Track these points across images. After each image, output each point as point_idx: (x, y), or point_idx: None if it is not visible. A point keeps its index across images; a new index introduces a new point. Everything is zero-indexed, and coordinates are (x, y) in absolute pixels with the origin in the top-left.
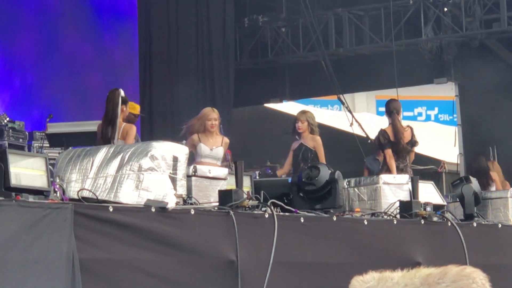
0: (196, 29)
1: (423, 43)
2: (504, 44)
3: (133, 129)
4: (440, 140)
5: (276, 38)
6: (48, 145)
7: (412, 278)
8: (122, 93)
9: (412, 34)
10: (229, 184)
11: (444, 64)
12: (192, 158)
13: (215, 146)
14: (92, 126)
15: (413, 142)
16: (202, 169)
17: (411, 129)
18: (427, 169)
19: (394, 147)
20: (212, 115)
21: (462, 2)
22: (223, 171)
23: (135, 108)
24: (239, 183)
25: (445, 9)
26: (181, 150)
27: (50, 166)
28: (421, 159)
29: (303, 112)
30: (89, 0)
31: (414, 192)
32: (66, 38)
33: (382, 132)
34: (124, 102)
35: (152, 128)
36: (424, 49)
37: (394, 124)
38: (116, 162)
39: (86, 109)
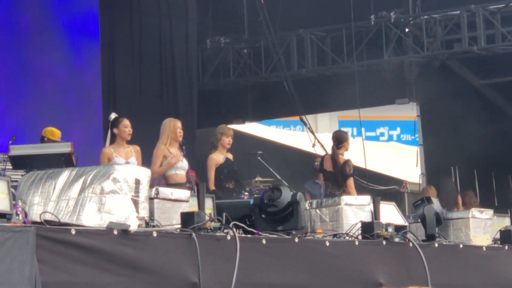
0: (159, 50)
1: (385, 63)
2: (465, 64)
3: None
4: (402, 160)
5: (238, 59)
6: (11, 167)
7: None
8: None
9: (373, 55)
10: (191, 206)
11: (405, 84)
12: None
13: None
14: (56, 148)
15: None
16: (164, 191)
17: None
18: (389, 189)
19: (333, 177)
20: (178, 124)
21: (423, 23)
22: (185, 193)
23: (53, 133)
24: (201, 205)
25: (406, 29)
26: (143, 173)
27: (12, 189)
28: (384, 179)
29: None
30: (58, 21)
31: (375, 213)
32: (36, 60)
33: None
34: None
35: None
36: (386, 70)
37: (332, 156)
38: (78, 185)
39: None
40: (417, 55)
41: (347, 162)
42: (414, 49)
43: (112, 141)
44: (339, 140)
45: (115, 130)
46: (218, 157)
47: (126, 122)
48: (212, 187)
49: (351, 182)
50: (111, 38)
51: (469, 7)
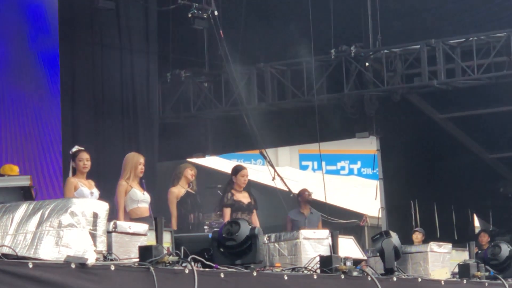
0: (120, 83)
1: (345, 97)
2: (425, 99)
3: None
4: (362, 194)
5: (198, 92)
6: None
7: None
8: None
9: (334, 89)
10: (150, 240)
11: (366, 118)
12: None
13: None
14: (14, 181)
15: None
16: (122, 225)
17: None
18: (349, 223)
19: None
20: (139, 159)
21: (383, 57)
22: (143, 227)
23: (12, 169)
24: (159, 238)
25: (367, 63)
26: (101, 207)
27: None
28: (344, 213)
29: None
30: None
31: (334, 247)
32: (10, 89)
33: None
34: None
35: None
36: (346, 104)
37: None
38: (36, 219)
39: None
40: (377, 89)
41: (223, 194)
42: (374, 83)
43: (74, 173)
44: (232, 171)
45: (72, 164)
46: (179, 190)
47: (82, 156)
48: (174, 223)
49: (225, 212)
50: (72, 70)
51: (429, 42)
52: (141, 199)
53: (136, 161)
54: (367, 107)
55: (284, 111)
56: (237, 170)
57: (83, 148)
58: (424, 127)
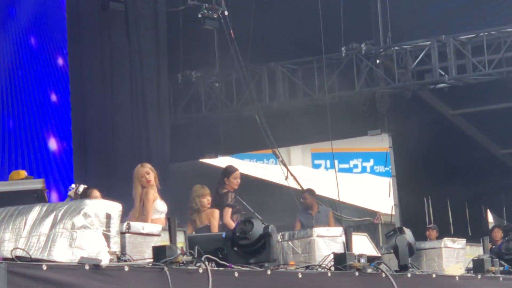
0: (130, 85)
1: (356, 95)
2: (436, 95)
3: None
4: (376, 192)
5: (210, 93)
6: None
7: None
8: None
9: (345, 87)
10: (163, 240)
11: (377, 115)
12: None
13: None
14: (27, 185)
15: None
16: (135, 225)
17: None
18: (363, 221)
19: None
20: (141, 170)
21: (394, 54)
22: (156, 227)
23: (19, 174)
24: (172, 239)
25: (377, 61)
26: (114, 207)
27: None
28: (358, 211)
29: None
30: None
31: (348, 244)
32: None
33: None
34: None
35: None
36: (358, 101)
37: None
38: (49, 221)
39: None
40: (389, 86)
41: (226, 193)
42: (385, 80)
43: None
44: (224, 173)
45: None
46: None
47: (95, 194)
48: None
49: (226, 211)
50: (81, 73)
51: (440, 38)
52: (163, 210)
53: (138, 173)
54: (378, 104)
55: (296, 110)
56: (229, 172)
57: (86, 186)
58: (436, 124)
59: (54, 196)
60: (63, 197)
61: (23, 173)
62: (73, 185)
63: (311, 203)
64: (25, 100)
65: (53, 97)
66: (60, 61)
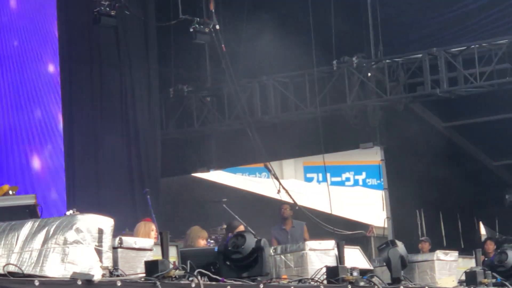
0: (120, 99)
1: (348, 108)
2: (428, 107)
3: None
4: (368, 205)
5: (201, 107)
6: None
7: None
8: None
9: (337, 100)
10: (156, 254)
11: (369, 128)
12: None
13: None
14: (20, 200)
15: None
16: (127, 240)
17: None
18: (355, 234)
19: None
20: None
21: (385, 67)
22: (149, 242)
23: (2, 189)
24: (165, 253)
25: (369, 74)
26: (106, 222)
27: None
28: (350, 224)
29: None
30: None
31: (340, 258)
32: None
33: None
34: None
35: (76, 198)
36: (349, 114)
37: None
38: (41, 236)
39: None
40: (380, 99)
41: None
42: (377, 93)
43: None
44: (228, 228)
45: None
46: None
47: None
48: None
49: None
50: (70, 83)
51: (431, 51)
52: None
53: (147, 231)
54: (370, 117)
55: (288, 124)
56: (233, 227)
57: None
58: (428, 136)
59: None
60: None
61: (5, 187)
62: (70, 211)
63: (288, 216)
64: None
65: (38, 113)
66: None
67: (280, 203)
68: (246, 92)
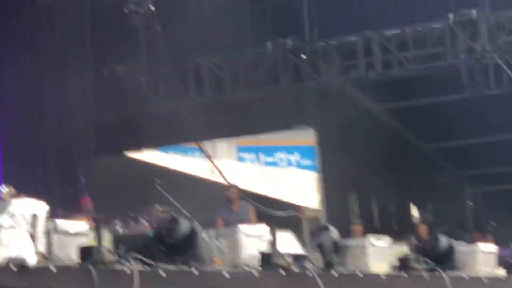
0: (55, 80)
1: (282, 90)
2: (362, 90)
3: None
4: (301, 186)
5: (136, 88)
6: None
7: None
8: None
9: (271, 82)
10: (90, 239)
11: (303, 110)
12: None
13: None
14: None
15: None
16: (62, 225)
17: None
18: (287, 214)
19: None
20: None
21: (320, 50)
22: (83, 227)
23: None
24: (99, 238)
25: (303, 56)
26: (40, 207)
27: None
28: (282, 204)
29: None
30: None
31: (273, 243)
32: None
33: None
34: None
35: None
36: (283, 96)
37: None
38: None
39: None
40: (314, 82)
41: None
42: (311, 76)
43: None
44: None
45: None
46: None
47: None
48: None
49: None
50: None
51: (365, 34)
52: None
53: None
54: (304, 99)
55: (222, 104)
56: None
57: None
58: (361, 119)
59: None
60: None
61: None
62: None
63: (235, 198)
64: None
65: None
66: None
67: (213, 184)
68: (181, 73)
